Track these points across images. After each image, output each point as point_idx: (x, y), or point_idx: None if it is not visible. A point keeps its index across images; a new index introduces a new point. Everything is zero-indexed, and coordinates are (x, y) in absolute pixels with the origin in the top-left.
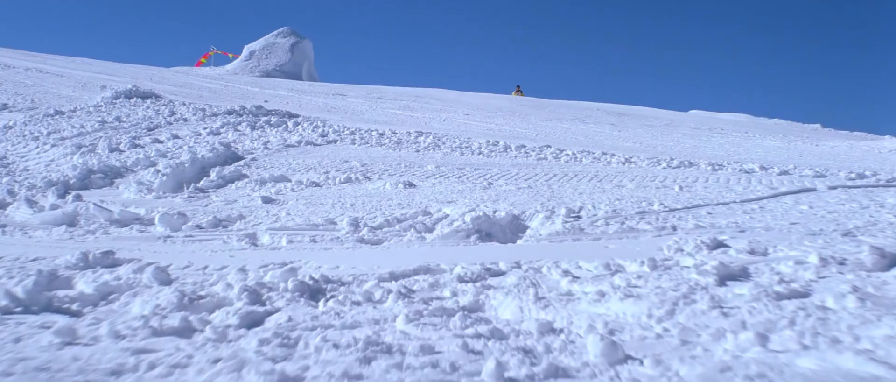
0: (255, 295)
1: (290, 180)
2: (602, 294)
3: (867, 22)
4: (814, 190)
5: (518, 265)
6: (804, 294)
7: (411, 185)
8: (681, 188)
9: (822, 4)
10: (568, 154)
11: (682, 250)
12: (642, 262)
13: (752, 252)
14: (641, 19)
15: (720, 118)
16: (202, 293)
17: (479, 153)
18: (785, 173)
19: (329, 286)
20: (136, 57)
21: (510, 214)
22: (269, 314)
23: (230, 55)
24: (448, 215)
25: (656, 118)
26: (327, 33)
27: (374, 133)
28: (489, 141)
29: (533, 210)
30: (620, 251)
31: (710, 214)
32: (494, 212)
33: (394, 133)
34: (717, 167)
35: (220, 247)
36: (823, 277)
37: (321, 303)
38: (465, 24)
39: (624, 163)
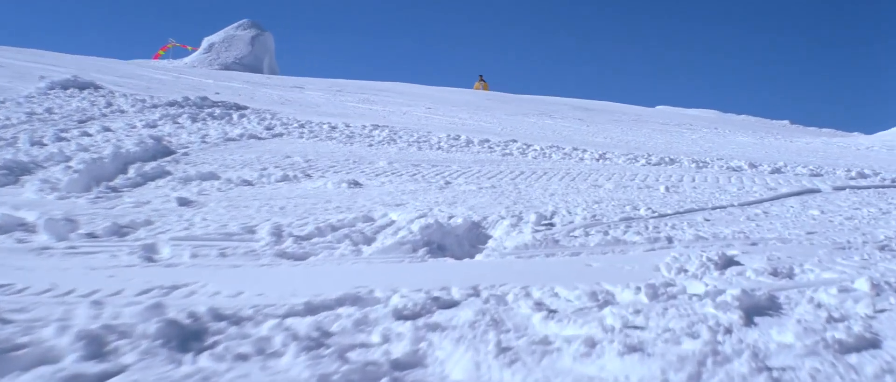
0: (95, 345)
1: (218, 179)
2: (591, 344)
3: (834, 20)
4: (818, 191)
5: (476, 292)
6: (874, 344)
7: (357, 184)
8: (667, 189)
9: (790, 2)
10: (536, 150)
11: (685, 270)
12: (638, 289)
13: (775, 274)
14: (607, 14)
15: (688, 114)
16: (23, 340)
17: (439, 148)
18: (777, 171)
19: (213, 328)
20: (93, 50)
21: (469, 220)
22: (104, 379)
23: (189, 48)
24: (394, 222)
25: (624, 114)
26: (293, 27)
27: (325, 126)
28: (450, 135)
29: (496, 216)
30: (607, 272)
31: (707, 220)
32: (450, 218)
33: (347, 126)
34: (701, 165)
35: (102, 263)
36: (883, 310)
37: (190, 357)
38: (432, 18)
39: (598, 160)
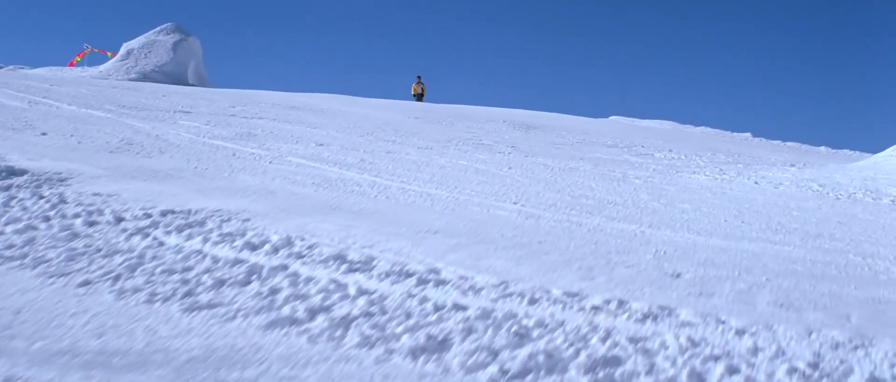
0: None
1: None
2: None
3: (800, 26)
4: None
5: None
6: None
7: None
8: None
9: (749, 8)
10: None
11: None
12: None
13: None
14: (559, 20)
15: (642, 126)
16: None
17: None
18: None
19: None
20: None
21: None
22: None
23: (109, 54)
24: None
25: (569, 131)
26: (234, 33)
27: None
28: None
29: None
30: None
31: None
32: None
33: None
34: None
35: None
36: None
37: None
38: (376, 18)
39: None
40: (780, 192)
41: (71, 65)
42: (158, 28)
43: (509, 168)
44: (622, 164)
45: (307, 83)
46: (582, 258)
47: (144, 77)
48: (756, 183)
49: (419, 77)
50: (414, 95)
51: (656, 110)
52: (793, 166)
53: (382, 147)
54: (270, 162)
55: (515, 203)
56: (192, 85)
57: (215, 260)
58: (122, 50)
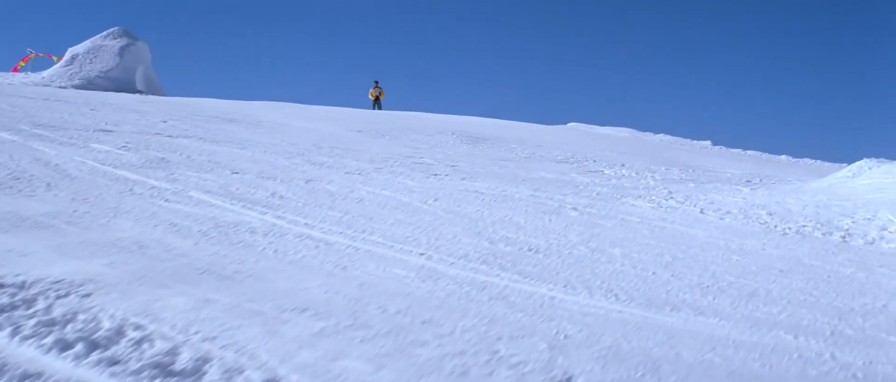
0: None
1: None
2: None
3: (759, 33)
4: None
5: None
6: None
7: None
8: None
9: (710, 11)
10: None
11: None
12: None
13: None
14: (518, 25)
15: (601, 133)
16: None
17: None
18: None
19: None
20: None
21: None
22: None
23: (54, 58)
24: None
25: (520, 144)
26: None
27: None
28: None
29: None
30: None
31: None
32: None
33: None
34: None
35: None
36: None
37: None
38: (335, 20)
39: None
40: (725, 225)
41: (14, 70)
42: (105, 32)
43: (435, 200)
44: (565, 186)
45: (262, 88)
46: (461, 353)
47: (89, 84)
48: (702, 212)
49: (377, 82)
50: (372, 100)
51: (615, 117)
52: (748, 183)
53: (305, 174)
54: (166, 200)
55: (422, 254)
56: (141, 92)
57: (2, 368)
58: (67, 55)
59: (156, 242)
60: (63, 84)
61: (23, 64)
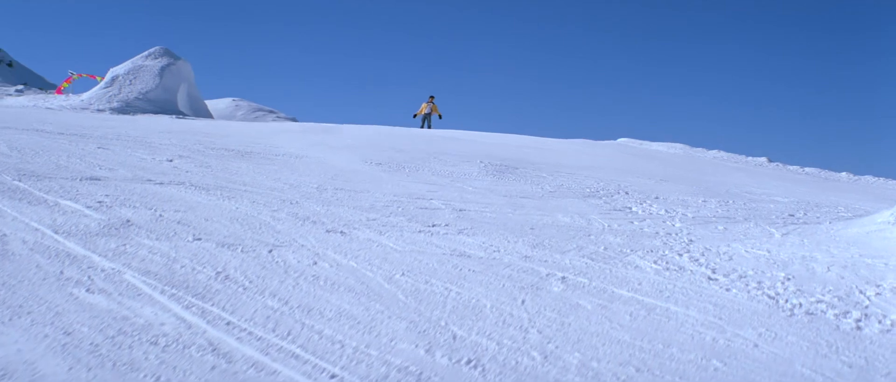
0: None
1: None
2: None
3: (814, 52)
4: None
5: None
6: None
7: None
8: None
9: (767, 30)
10: None
11: None
12: None
13: None
14: (575, 39)
15: (650, 151)
16: None
17: None
18: None
19: None
20: None
21: None
22: None
23: (98, 78)
24: None
25: (551, 171)
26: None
27: None
28: None
29: None
30: None
31: None
32: None
33: None
34: None
35: None
36: None
37: None
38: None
39: None
40: (728, 300)
41: (58, 92)
42: (145, 52)
43: (403, 274)
44: (573, 237)
45: (319, 104)
46: None
47: (127, 106)
48: (711, 277)
49: (432, 97)
50: (421, 117)
51: (670, 132)
52: (788, 221)
53: (276, 236)
54: (88, 290)
55: (333, 377)
56: (181, 114)
57: None
58: (108, 76)
59: (25, 366)
60: (101, 107)
61: (66, 85)
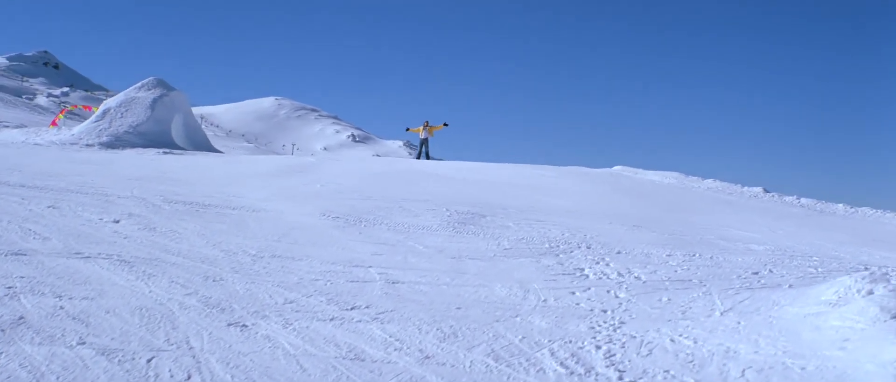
0: None
1: None
2: None
3: (814, 78)
4: None
5: None
6: None
7: None
8: None
9: (767, 56)
10: None
11: None
12: None
13: None
14: (575, 66)
15: (642, 180)
16: None
17: None
18: None
19: None
20: None
21: None
22: None
23: (95, 109)
24: None
25: (520, 218)
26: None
27: None
28: None
29: None
30: None
31: None
32: None
33: None
34: None
35: None
36: None
37: None
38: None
39: None
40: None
41: (53, 124)
42: (139, 84)
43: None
44: (497, 321)
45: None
46: None
47: (117, 140)
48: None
49: (426, 122)
50: (419, 141)
51: (661, 162)
52: (753, 277)
53: (169, 336)
54: None
55: None
56: (173, 148)
57: None
58: (100, 109)
59: None
60: (90, 142)
61: (61, 116)
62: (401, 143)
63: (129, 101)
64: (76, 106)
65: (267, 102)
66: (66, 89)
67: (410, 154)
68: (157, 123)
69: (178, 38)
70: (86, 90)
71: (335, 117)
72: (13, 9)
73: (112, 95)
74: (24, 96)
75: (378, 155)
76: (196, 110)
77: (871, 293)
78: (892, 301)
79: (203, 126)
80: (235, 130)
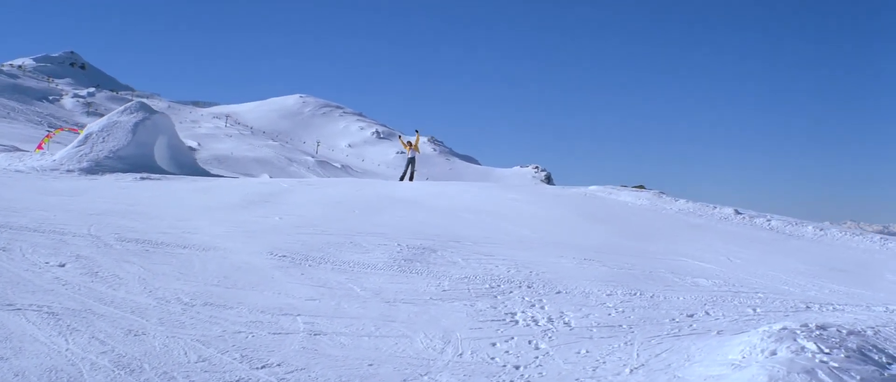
0: None
1: None
2: None
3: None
4: None
5: None
6: None
7: None
8: None
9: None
10: None
11: None
12: None
13: None
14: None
15: (617, 203)
16: None
17: None
18: None
19: None
20: None
21: None
22: None
23: (80, 132)
24: None
25: (471, 252)
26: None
27: None
28: None
29: None
30: None
31: None
32: None
33: None
34: None
35: None
36: None
37: None
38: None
39: None
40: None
41: (39, 148)
42: (121, 108)
43: None
44: None
45: None
46: None
47: (97, 165)
48: None
49: (409, 141)
50: (407, 159)
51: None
52: (687, 320)
53: None
54: None
55: None
56: (153, 172)
57: None
58: (83, 134)
59: None
60: (71, 167)
61: (47, 141)
62: (426, 139)
63: (110, 125)
64: (62, 128)
65: (291, 100)
66: (92, 90)
67: (435, 151)
68: (138, 146)
69: (204, 37)
70: (112, 90)
71: (360, 114)
72: (40, 10)
73: (138, 96)
74: (50, 97)
75: (400, 152)
76: (221, 109)
77: (774, 353)
78: (783, 370)
79: (227, 125)
80: (260, 129)
